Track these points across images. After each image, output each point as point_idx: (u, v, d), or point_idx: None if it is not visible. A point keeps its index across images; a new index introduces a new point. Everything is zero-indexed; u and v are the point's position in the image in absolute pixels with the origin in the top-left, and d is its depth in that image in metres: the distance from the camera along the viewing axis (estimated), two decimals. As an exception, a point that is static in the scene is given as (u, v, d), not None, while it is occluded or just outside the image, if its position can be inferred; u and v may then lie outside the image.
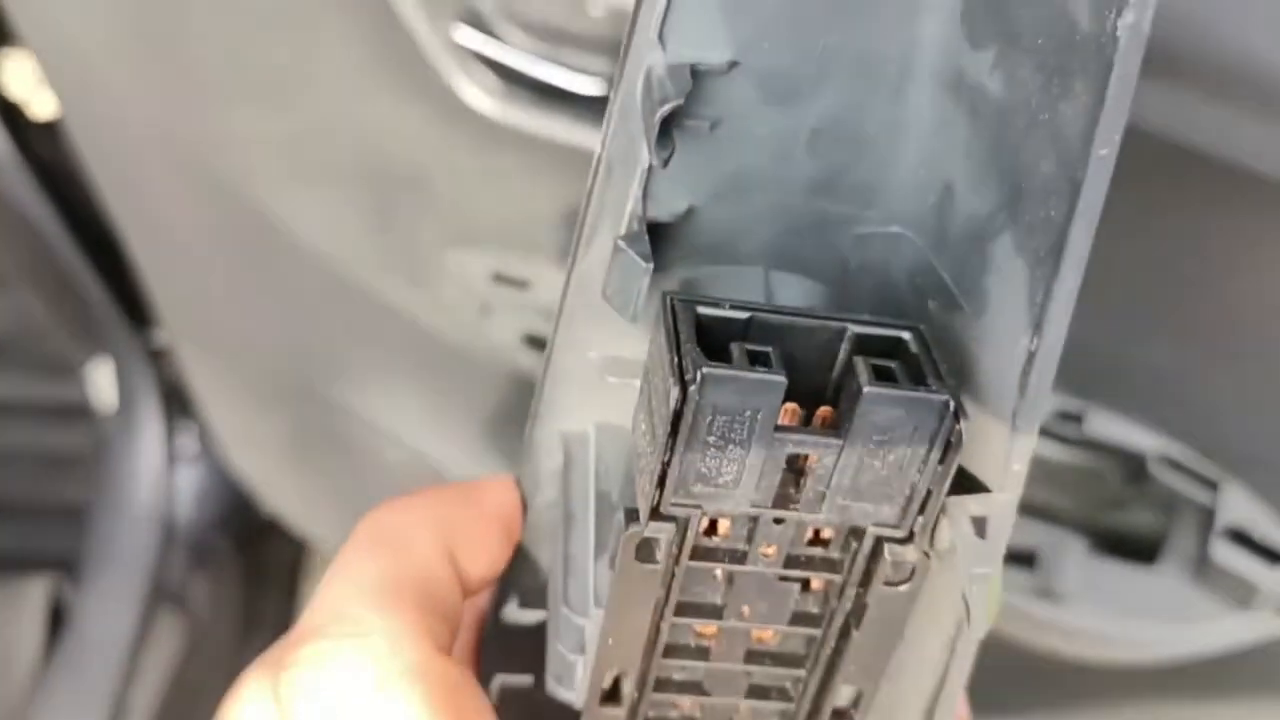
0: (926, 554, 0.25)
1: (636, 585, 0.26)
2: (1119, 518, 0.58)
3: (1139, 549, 0.57)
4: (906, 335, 0.25)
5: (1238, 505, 0.52)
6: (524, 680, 0.31)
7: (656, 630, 0.27)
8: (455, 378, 0.75)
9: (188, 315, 0.88)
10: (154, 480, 1.11)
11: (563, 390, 0.29)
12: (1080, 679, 0.58)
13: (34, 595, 1.11)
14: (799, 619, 0.27)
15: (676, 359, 0.23)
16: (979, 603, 0.25)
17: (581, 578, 0.28)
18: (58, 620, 1.09)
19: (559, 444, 0.30)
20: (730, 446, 0.24)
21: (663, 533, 0.25)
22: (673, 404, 0.23)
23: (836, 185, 0.27)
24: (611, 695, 0.28)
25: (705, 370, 0.23)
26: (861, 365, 0.24)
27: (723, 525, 0.26)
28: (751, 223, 0.27)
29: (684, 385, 0.23)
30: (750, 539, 0.26)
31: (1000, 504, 0.25)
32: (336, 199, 0.66)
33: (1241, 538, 0.52)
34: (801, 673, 0.28)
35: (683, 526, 0.25)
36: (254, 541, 1.15)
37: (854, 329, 0.25)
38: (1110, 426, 0.54)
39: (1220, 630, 0.53)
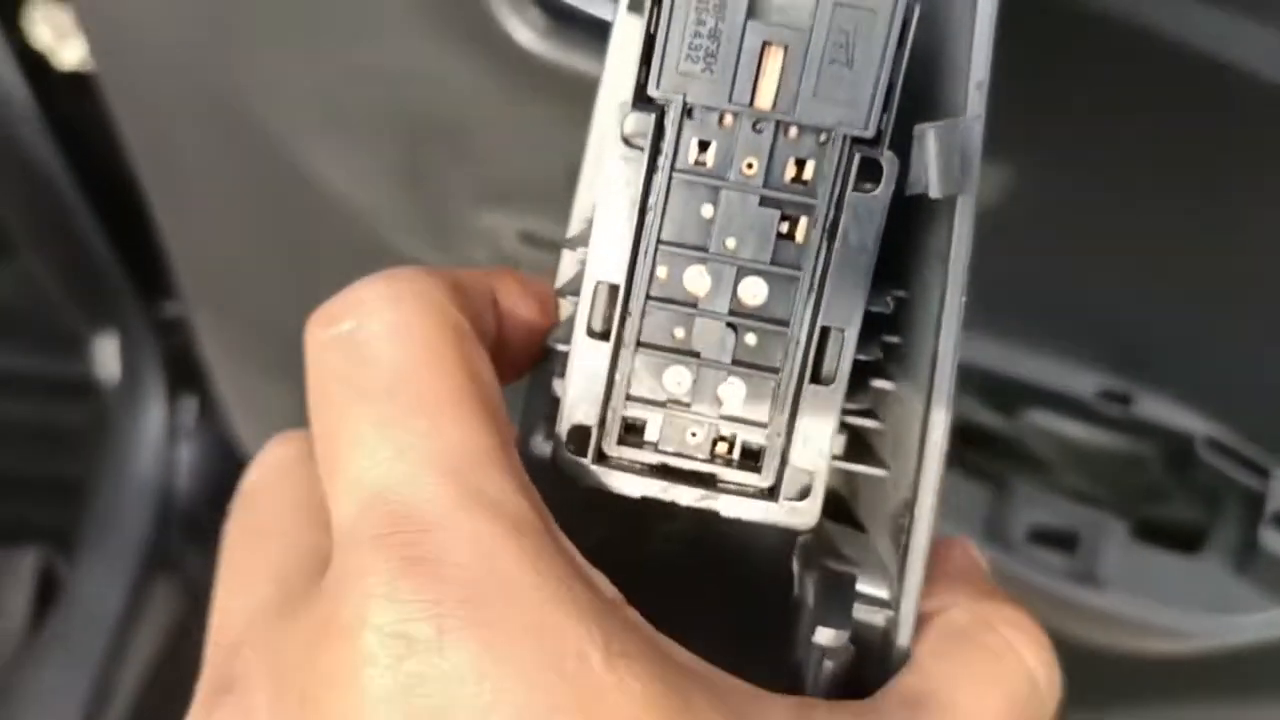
0: (892, 155, 0.26)
1: (623, 179, 0.27)
2: (1159, 510, 0.56)
3: (1179, 543, 0.56)
4: None
5: (1289, 492, 0.51)
6: None
7: (647, 257, 0.28)
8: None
9: (207, 278, 0.86)
10: (155, 454, 1.10)
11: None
12: (1116, 672, 0.56)
13: (23, 567, 1.10)
14: (782, 262, 0.27)
15: None
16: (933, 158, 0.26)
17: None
18: (49, 593, 1.08)
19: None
20: (708, 31, 0.26)
21: (651, 114, 0.27)
22: None
23: None
24: (600, 334, 0.29)
25: None
26: None
27: (710, 154, 0.27)
28: None
29: None
30: (731, 156, 0.27)
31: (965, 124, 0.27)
32: (369, 150, 0.65)
33: (1293, 524, 0.51)
34: (786, 330, 0.28)
35: (673, 115, 0.27)
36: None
37: None
38: (1158, 408, 0.52)
39: (1264, 621, 0.52)
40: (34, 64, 0.89)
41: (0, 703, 1.00)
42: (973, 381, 0.57)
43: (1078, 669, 0.58)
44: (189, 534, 1.09)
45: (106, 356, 1.13)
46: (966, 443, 0.58)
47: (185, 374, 1.08)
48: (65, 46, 0.87)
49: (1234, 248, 0.50)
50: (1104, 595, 0.53)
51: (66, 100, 0.91)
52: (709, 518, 0.29)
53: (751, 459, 0.29)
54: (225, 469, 1.10)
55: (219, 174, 0.74)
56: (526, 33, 0.52)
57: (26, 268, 1.07)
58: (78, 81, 0.88)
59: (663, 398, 0.29)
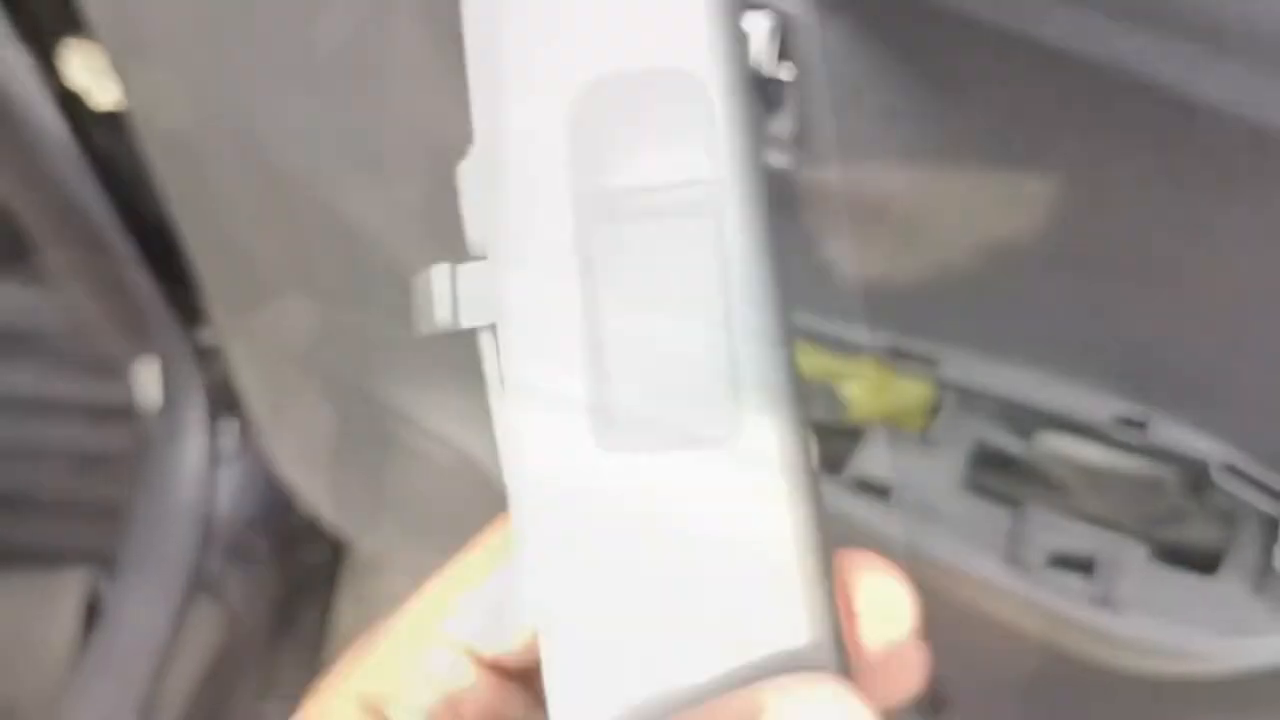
0: None
1: None
2: (1177, 532, 0.57)
3: (1197, 565, 0.56)
4: None
5: (1304, 516, 0.51)
6: None
7: None
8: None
9: (239, 310, 0.88)
10: (195, 479, 1.12)
11: None
12: (1135, 694, 0.57)
13: (70, 588, 1.12)
14: None
15: None
16: None
17: None
18: (94, 615, 1.10)
19: None
20: None
21: None
22: None
23: None
24: None
25: None
26: None
27: None
28: None
29: None
30: None
31: None
32: (397, 189, 0.66)
33: (1307, 548, 0.51)
34: None
35: None
36: (291, 543, 1.15)
37: None
38: (1174, 433, 0.53)
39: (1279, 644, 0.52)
40: (72, 101, 0.91)
41: (47, 722, 1.02)
42: (990, 408, 0.58)
43: (1098, 692, 0.59)
44: (229, 557, 1.10)
45: (147, 382, 1.15)
46: (985, 468, 0.59)
47: (226, 398, 1.10)
48: (101, 87, 0.89)
49: (1248, 273, 0.50)
50: (1123, 618, 0.54)
51: (105, 136, 0.93)
52: None
53: None
54: (266, 492, 1.12)
55: (249, 211, 0.76)
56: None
57: (68, 296, 1.09)
58: (115, 119, 0.90)
59: None
